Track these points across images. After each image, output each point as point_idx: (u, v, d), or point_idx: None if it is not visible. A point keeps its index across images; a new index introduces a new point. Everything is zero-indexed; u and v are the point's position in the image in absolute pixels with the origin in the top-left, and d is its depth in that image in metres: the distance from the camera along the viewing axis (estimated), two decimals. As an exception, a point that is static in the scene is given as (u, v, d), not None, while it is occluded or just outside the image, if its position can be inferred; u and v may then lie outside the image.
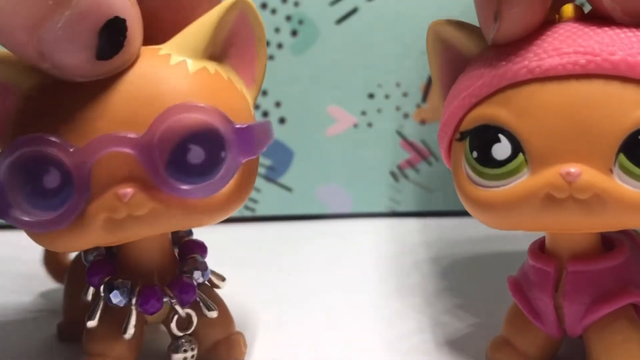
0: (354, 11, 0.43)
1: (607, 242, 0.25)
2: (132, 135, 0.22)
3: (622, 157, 0.22)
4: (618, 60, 0.22)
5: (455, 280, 0.35)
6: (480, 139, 0.23)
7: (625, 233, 0.26)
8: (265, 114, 0.45)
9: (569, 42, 0.22)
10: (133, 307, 0.25)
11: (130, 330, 0.25)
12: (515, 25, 0.23)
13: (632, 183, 0.22)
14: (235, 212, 0.47)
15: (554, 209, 0.22)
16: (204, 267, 0.26)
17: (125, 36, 0.22)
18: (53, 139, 0.22)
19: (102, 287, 0.25)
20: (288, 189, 0.46)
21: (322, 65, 0.44)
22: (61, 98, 0.23)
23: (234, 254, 0.39)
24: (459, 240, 0.41)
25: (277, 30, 0.44)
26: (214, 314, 0.26)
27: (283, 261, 0.39)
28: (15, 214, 0.23)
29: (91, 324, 0.25)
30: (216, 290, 0.28)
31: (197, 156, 0.23)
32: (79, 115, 0.22)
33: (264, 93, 0.44)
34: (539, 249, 0.26)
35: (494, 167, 0.23)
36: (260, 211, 0.46)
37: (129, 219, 0.23)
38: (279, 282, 0.36)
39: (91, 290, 0.26)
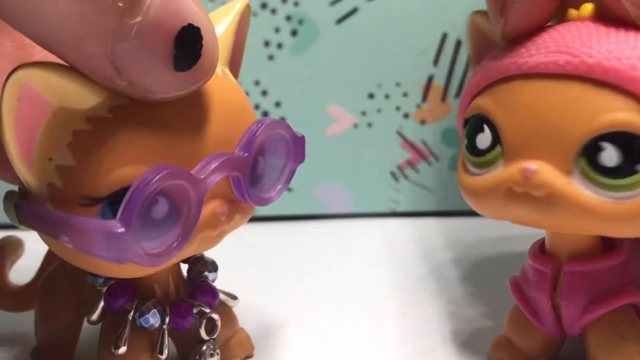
0: (354, 11, 0.43)
1: (608, 242, 0.25)
2: (239, 156, 0.23)
3: (582, 160, 0.22)
4: (593, 63, 0.21)
5: (456, 280, 0.35)
6: (471, 127, 0.24)
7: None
8: (265, 114, 0.45)
9: (559, 42, 0.22)
10: (165, 327, 0.25)
11: (166, 351, 0.25)
12: (521, 19, 0.23)
13: (591, 188, 0.22)
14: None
15: (514, 202, 0.23)
16: (215, 266, 0.27)
17: (202, 45, 0.21)
18: (183, 170, 0.21)
19: (132, 312, 0.24)
20: (288, 189, 0.46)
21: (322, 65, 0.44)
22: (143, 118, 0.21)
23: (234, 254, 0.39)
24: (460, 240, 0.41)
25: (277, 30, 0.44)
26: (236, 302, 0.27)
27: (283, 261, 0.39)
28: (138, 251, 0.21)
29: (122, 350, 0.24)
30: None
31: (263, 165, 0.24)
32: (172, 137, 0.22)
33: (264, 93, 0.44)
34: (539, 249, 0.26)
35: (477, 155, 0.24)
36: (261, 211, 0.46)
37: (219, 234, 0.24)
38: (279, 282, 0.36)
39: (99, 311, 0.25)
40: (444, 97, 0.44)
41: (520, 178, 0.22)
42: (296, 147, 0.25)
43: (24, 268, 0.32)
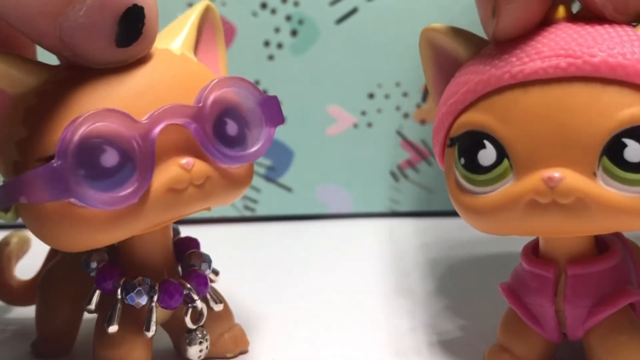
0: (354, 11, 0.43)
1: (600, 243, 0.25)
2: (189, 105, 0.23)
3: (605, 160, 0.21)
4: (598, 62, 0.21)
5: (455, 281, 0.35)
6: (467, 145, 0.23)
7: (614, 233, 0.26)
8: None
9: (551, 45, 0.22)
10: (154, 305, 0.25)
11: (153, 327, 0.25)
12: (513, 20, 0.23)
13: (617, 186, 0.22)
14: (235, 212, 0.47)
15: (538, 214, 0.22)
16: (209, 259, 0.27)
17: (144, 23, 0.22)
18: (120, 111, 0.22)
19: (119, 290, 0.25)
20: (288, 189, 0.46)
21: (322, 65, 0.44)
22: (89, 84, 0.23)
23: (234, 254, 0.39)
24: (459, 241, 0.41)
25: (277, 30, 0.44)
26: (220, 307, 0.27)
27: (283, 261, 0.39)
28: (83, 190, 0.21)
29: (112, 329, 0.25)
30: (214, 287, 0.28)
31: (234, 127, 0.24)
32: (118, 96, 0.23)
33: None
34: (533, 252, 0.25)
35: (481, 173, 0.23)
36: (260, 211, 0.46)
37: (189, 190, 0.23)
38: (279, 282, 0.36)
39: (95, 298, 0.25)
40: (444, 97, 0.44)
41: (544, 188, 0.22)
42: (269, 109, 0.25)
43: (30, 264, 0.33)
